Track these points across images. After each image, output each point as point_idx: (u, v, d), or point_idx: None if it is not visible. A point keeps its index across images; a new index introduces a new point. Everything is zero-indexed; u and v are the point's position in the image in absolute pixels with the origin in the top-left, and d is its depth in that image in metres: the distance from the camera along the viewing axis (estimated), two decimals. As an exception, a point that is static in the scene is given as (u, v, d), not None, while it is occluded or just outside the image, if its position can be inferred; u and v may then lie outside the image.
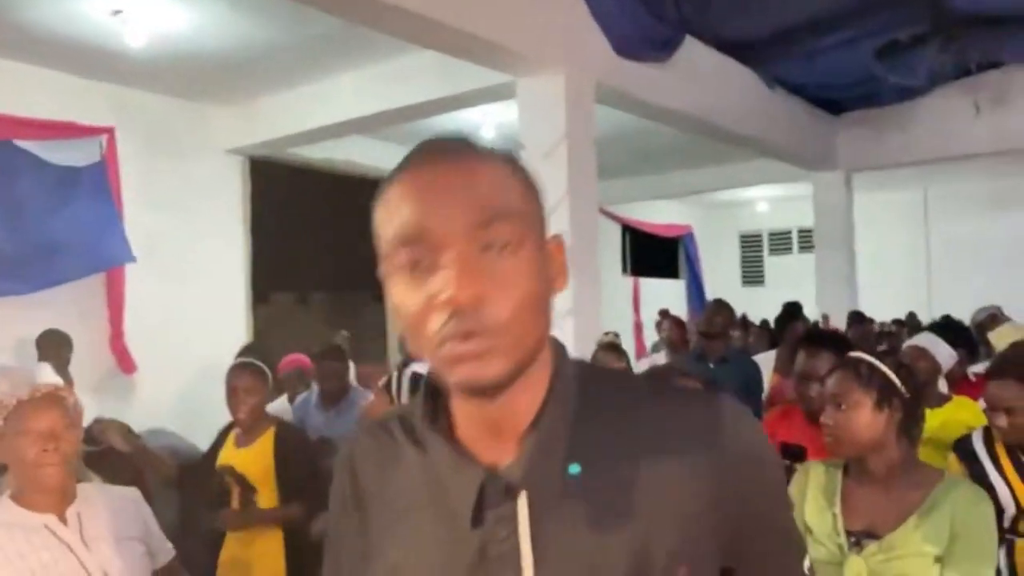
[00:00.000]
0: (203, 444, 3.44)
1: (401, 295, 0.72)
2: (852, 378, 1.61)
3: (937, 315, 9.22)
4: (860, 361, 1.64)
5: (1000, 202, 10.88)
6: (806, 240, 12.81)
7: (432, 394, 0.80)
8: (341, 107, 5.74)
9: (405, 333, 0.73)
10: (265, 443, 2.71)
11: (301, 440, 2.88)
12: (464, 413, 0.77)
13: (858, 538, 1.56)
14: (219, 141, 6.16)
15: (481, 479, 0.73)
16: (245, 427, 2.76)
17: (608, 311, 10.26)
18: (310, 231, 8.50)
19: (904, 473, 1.60)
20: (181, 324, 5.69)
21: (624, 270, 11.40)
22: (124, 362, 5.32)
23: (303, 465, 2.72)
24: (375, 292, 9.23)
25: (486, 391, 0.70)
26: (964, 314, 8.13)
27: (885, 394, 1.59)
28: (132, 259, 5.29)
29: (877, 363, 1.62)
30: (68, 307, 5.04)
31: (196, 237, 5.94)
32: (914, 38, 6.15)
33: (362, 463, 0.85)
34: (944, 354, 2.60)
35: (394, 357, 7.87)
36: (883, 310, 8.70)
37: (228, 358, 5.96)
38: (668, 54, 5.17)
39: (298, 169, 6.93)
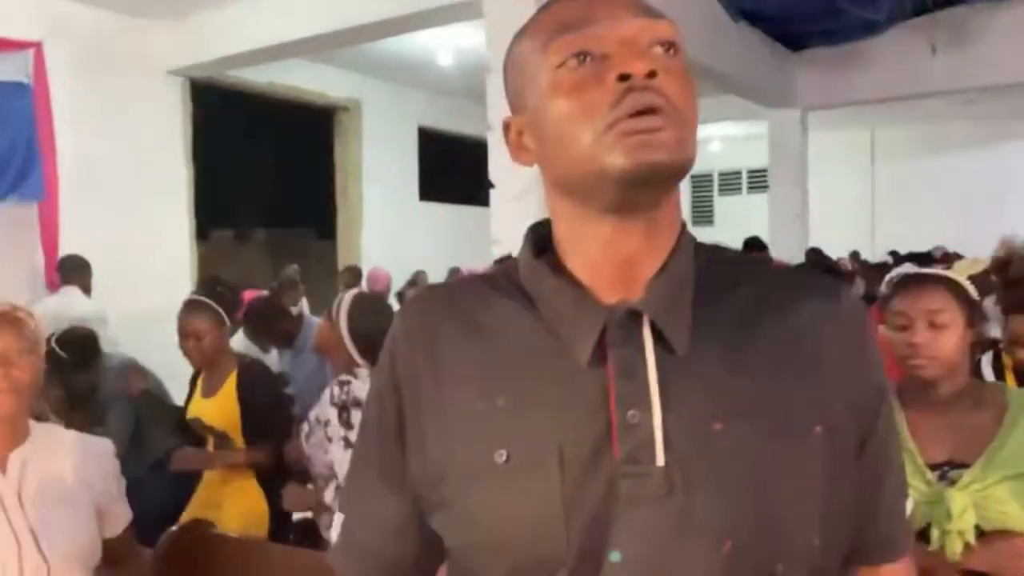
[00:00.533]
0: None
1: (563, 94, 0.67)
2: (950, 296, 1.53)
3: (880, 253, 9.45)
4: (951, 280, 1.57)
5: (942, 144, 11.09)
6: (755, 180, 12.92)
7: (538, 244, 0.76)
8: (288, 25, 5.36)
9: (561, 145, 0.68)
10: (230, 388, 2.52)
11: (264, 377, 2.69)
12: (589, 251, 0.71)
13: (943, 471, 1.49)
14: (158, 61, 5.73)
15: (604, 317, 0.68)
16: (206, 372, 2.57)
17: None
18: (253, 162, 8.12)
19: (968, 396, 1.54)
20: (121, 258, 5.34)
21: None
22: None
23: (266, 405, 2.56)
24: (321, 229, 8.94)
25: (659, 178, 0.65)
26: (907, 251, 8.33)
27: (973, 314, 1.54)
28: (40, 197, 4.90)
29: (965, 283, 1.56)
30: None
31: (135, 166, 5.55)
32: (880, -29, 6.08)
33: (415, 343, 0.76)
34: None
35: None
36: (829, 249, 8.83)
37: (172, 296, 5.68)
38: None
39: (241, 94, 6.53)
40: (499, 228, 4.20)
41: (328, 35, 5.32)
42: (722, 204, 13.28)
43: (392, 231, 7.96)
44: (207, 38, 5.70)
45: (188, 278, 5.92)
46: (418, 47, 6.51)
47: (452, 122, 8.88)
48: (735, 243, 9.07)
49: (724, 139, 12.29)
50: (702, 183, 13.42)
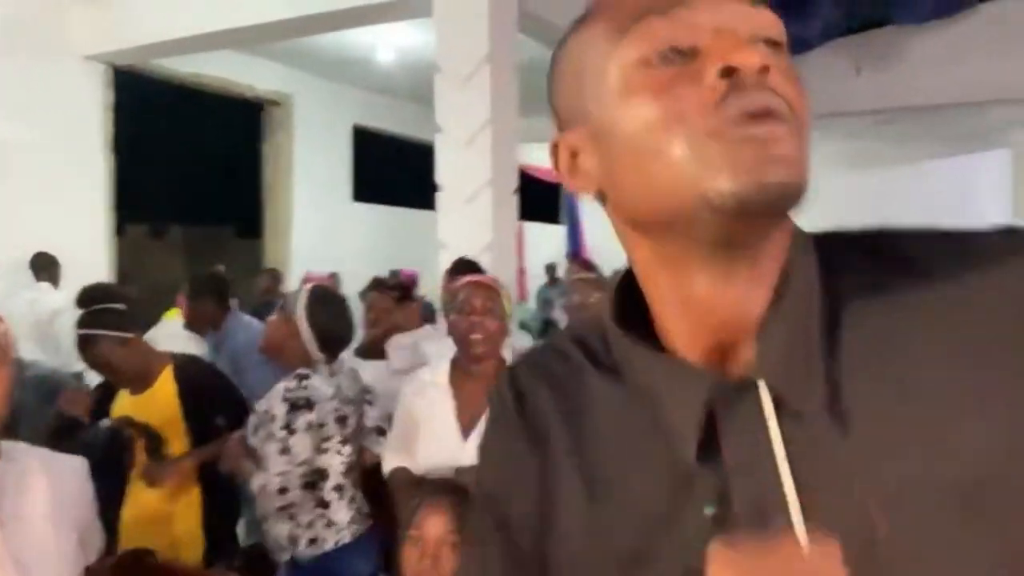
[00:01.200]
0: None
1: (644, 96, 0.51)
2: None
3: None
4: None
5: (861, 162, 11.56)
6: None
7: (623, 291, 0.59)
8: (218, 15, 5.10)
9: (639, 165, 0.51)
10: (165, 385, 2.31)
11: (207, 371, 2.49)
12: (680, 305, 0.55)
13: None
14: (77, 45, 5.35)
15: (708, 393, 0.53)
16: (129, 383, 2.34)
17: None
18: (175, 155, 7.72)
19: None
20: (36, 251, 4.97)
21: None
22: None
23: (217, 395, 2.37)
24: (245, 228, 8.59)
25: (779, 206, 0.49)
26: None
27: None
28: None
29: None
30: None
31: (50, 155, 5.16)
32: (813, -9, 6.26)
33: (534, 396, 0.62)
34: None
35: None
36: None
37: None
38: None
39: (165, 83, 6.19)
40: (446, 232, 4.07)
41: (264, 27, 5.08)
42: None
43: (323, 231, 7.70)
44: (130, 23, 5.36)
45: (105, 275, 5.54)
46: (356, 43, 6.31)
47: (389, 122, 8.68)
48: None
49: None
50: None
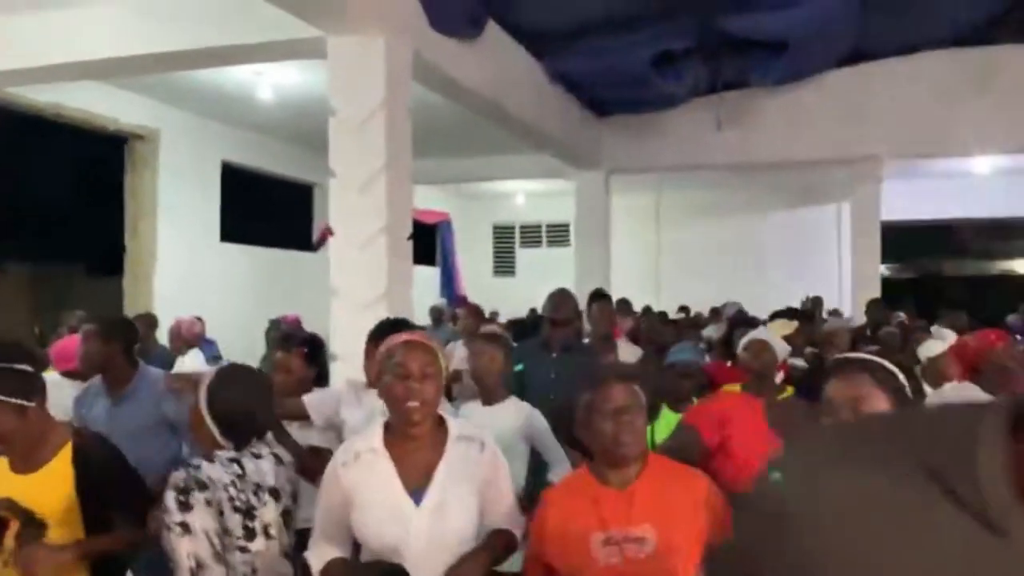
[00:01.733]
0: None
1: None
2: (872, 382, 1.53)
3: (666, 309, 10.19)
4: (875, 364, 1.57)
5: (720, 209, 12.33)
6: (555, 235, 13.52)
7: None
8: (82, 44, 4.77)
9: None
10: (60, 465, 2.02)
11: (112, 454, 2.15)
12: None
13: None
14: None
15: None
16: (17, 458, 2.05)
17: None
18: (24, 189, 7.08)
19: None
20: None
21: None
22: None
23: (122, 486, 2.10)
24: (100, 266, 7.96)
25: None
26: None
27: (899, 396, 1.53)
28: None
29: (891, 366, 1.56)
30: None
31: None
32: (685, 51, 6.67)
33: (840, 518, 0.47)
34: (780, 347, 2.75)
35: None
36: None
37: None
38: (478, 32, 5.03)
39: (19, 113, 5.69)
40: (340, 278, 3.96)
41: (129, 59, 4.79)
42: (523, 256, 13.71)
43: (188, 272, 7.26)
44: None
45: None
46: (233, 79, 6.08)
47: (260, 160, 8.38)
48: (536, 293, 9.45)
49: (527, 193, 12.73)
50: (504, 234, 13.78)
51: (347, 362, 3.58)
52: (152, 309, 6.84)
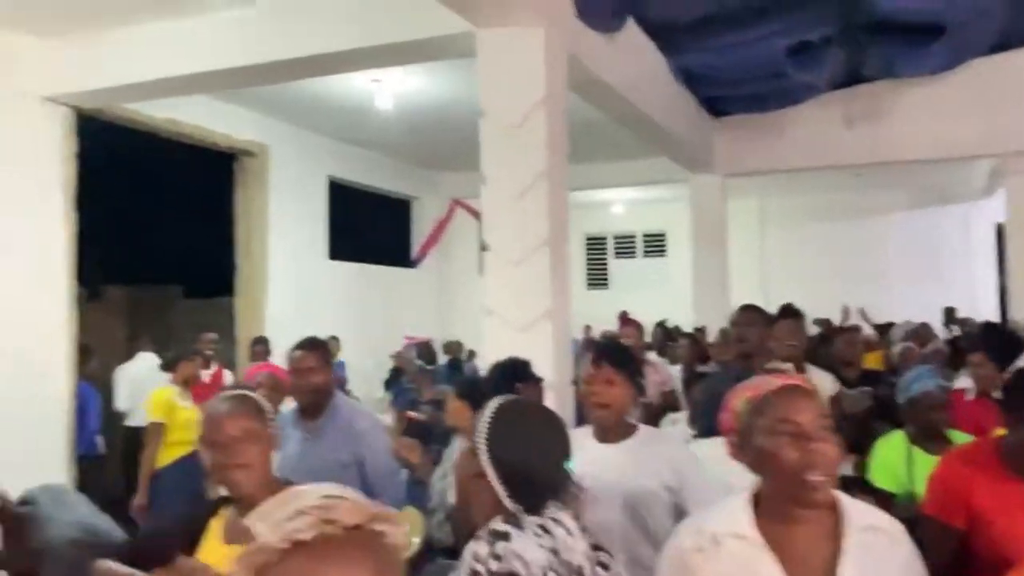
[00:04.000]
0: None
1: None
2: None
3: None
4: None
5: (832, 212, 11.62)
6: (651, 244, 12.98)
7: None
8: (204, 53, 4.54)
9: None
10: None
11: None
12: None
13: None
14: (34, 85, 4.67)
15: None
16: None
17: (464, 313, 9.63)
18: (148, 211, 6.99)
19: None
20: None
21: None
22: None
23: None
24: (225, 288, 7.84)
25: None
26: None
27: None
28: None
29: None
30: None
31: (2, 212, 4.44)
32: (824, 39, 6.11)
33: None
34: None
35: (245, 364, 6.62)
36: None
37: (46, 372, 4.55)
38: (620, 25, 4.61)
39: (136, 130, 5.53)
40: (495, 297, 3.56)
41: (254, 68, 4.54)
42: (617, 267, 13.22)
43: (298, 292, 7.04)
44: (97, 62, 4.73)
45: (65, 343, 4.78)
46: (346, 90, 5.81)
47: (363, 175, 8.15)
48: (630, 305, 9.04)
49: (624, 202, 12.23)
50: (597, 246, 13.30)
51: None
52: (264, 331, 6.64)
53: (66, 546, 1.77)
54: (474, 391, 3.04)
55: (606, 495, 1.96)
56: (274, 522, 0.68)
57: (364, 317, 7.75)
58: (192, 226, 8.02)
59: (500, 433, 1.43)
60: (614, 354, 2.17)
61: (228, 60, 4.53)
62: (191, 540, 1.67)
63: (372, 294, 8.11)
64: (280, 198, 6.91)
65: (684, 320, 9.26)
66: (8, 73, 4.54)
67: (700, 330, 7.18)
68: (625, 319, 6.75)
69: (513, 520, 1.36)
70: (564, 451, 1.47)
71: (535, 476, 1.41)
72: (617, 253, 13.24)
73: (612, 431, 2.11)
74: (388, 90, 5.65)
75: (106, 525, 2.19)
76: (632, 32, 5.08)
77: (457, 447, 2.85)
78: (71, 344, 4.82)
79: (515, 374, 2.82)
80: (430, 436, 4.20)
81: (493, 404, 1.48)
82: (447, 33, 3.80)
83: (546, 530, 1.35)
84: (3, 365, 4.35)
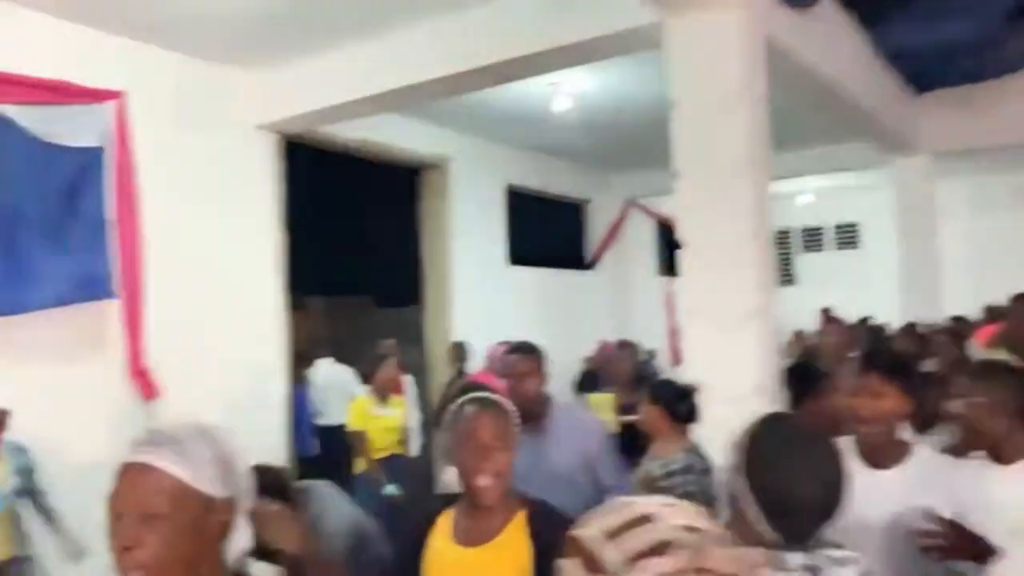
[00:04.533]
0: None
1: None
2: None
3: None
4: None
5: None
6: (842, 236, 12.11)
7: None
8: (389, 73, 4.74)
9: None
10: (515, 536, 1.62)
11: (563, 522, 1.72)
12: None
13: None
14: (247, 114, 5.08)
15: None
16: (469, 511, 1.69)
17: (640, 314, 9.41)
18: (343, 225, 7.43)
19: None
20: (209, 335, 4.61)
21: (659, 270, 10.53)
22: (145, 387, 4.21)
23: None
24: (411, 298, 8.19)
25: None
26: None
27: None
28: (110, 295, 4.11)
29: None
30: (71, 323, 3.95)
31: (223, 232, 4.87)
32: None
33: None
34: None
35: (438, 370, 6.85)
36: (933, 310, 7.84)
37: (264, 376, 4.90)
38: (813, 2, 4.27)
39: (333, 152, 5.87)
40: (696, 296, 3.39)
41: (442, 80, 4.66)
42: (804, 262, 12.44)
43: (481, 299, 7.18)
44: (298, 89, 5.07)
45: (280, 350, 5.15)
46: (524, 96, 5.85)
47: (539, 180, 8.20)
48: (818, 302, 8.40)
49: (813, 192, 11.42)
50: (781, 240, 12.57)
51: (715, 394, 3.01)
52: (451, 338, 6.82)
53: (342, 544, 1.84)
54: (668, 395, 2.90)
55: (864, 533, 1.66)
56: (630, 552, 0.60)
57: (544, 321, 7.78)
58: (381, 240, 8.41)
59: (763, 453, 1.29)
60: (884, 361, 1.88)
61: (413, 77, 4.70)
62: (419, 539, 1.68)
63: (551, 298, 8.13)
64: (462, 208, 7.09)
65: (884, 316, 8.54)
66: (226, 105, 4.96)
67: (959, 319, 6.46)
68: (828, 317, 6.29)
69: (773, 559, 1.21)
70: (837, 474, 1.30)
71: (802, 503, 1.25)
72: (804, 247, 12.46)
73: (881, 452, 1.83)
74: (565, 92, 5.62)
75: (372, 530, 2.28)
76: (829, 7, 4.71)
77: (652, 454, 2.72)
78: (286, 350, 5.18)
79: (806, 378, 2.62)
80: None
81: (756, 420, 1.35)
82: (631, 27, 3.71)
83: (812, 570, 1.19)
84: (229, 371, 4.74)
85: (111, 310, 4.19)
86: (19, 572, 3.35)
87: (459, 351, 6.20)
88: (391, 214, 7.63)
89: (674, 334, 10.60)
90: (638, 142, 7.52)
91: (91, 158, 4.18)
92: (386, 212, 7.72)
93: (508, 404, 1.68)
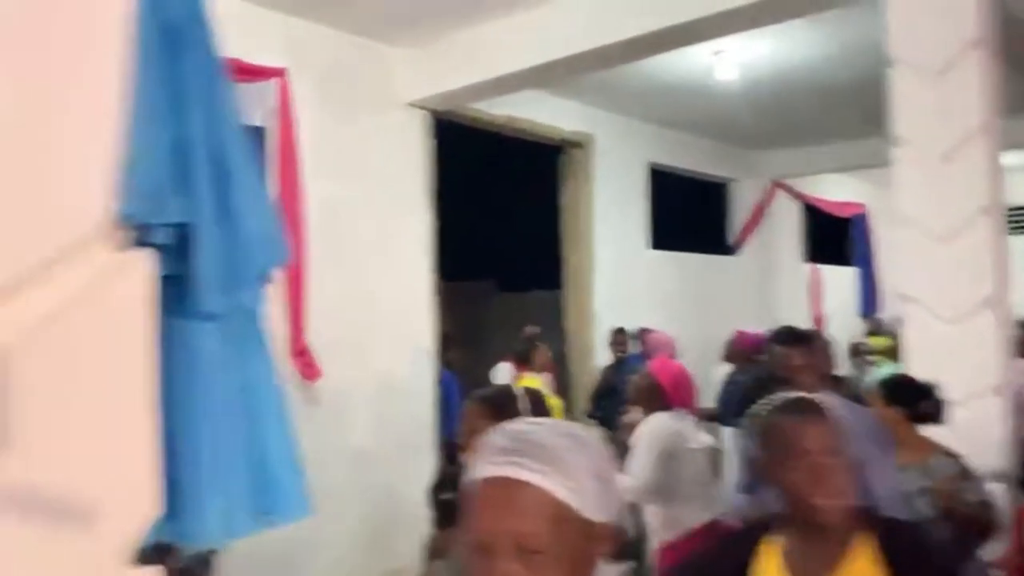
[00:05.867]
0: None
1: None
2: None
3: None
4: None
5: None
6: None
7: None
8: (539, 47, 4.51)
9: None
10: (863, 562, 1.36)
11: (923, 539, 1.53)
12: None
13: None
14: (400, 91, 4.99)
15: None
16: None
17: (785, 302, 8.87)
18: (479, 206, 7.33)
19: None
20: (363, 316, 4.56)
21: (805, 256, 9.94)
22: (306, 368, 4.18)
23: None
24: (537, 282, 8.00)
25: None
26: None
27: None
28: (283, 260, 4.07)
29: None
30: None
31: (378, 211, 4.80)
32: None
33: None
34: None
35: (581, 358, 6.63)
36: None
37: (415, 359, 4.81)
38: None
39: (482, 129, 5.73)
40: (916, 282, 3.00)
41: (594, 54, 4.40)
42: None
43: (620, 283, 6.90)
44: (449, 66, 4.93)
45: (430, 332, 5.06)
46: (683, 66, 5.50)
47: (681, 159, 7.81)
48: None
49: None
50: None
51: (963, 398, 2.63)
52: (591, 323, 6.58)
53: None
54: (907, 394, 2.54)
55: None
56: None
57: (684, 307, 7.42)
58: (512, 222, 8.24)
59: None
60: None
61: (565, 49, 4.46)
62: (740, 572, 1.41)
63: (691, 283, 7.74)
64: (603, 188, 6.82)
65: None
66: (383, 83, 4.88)
67: None
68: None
69: None
70: None
71: None
72: (1012, 228, 11.38)
73: None
74: (731, 60, 5.23)
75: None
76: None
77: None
78: (435, 333, 5.09)
79: None
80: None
81: None
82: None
83: None
84: (382, 354, 4.69)
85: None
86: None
87: (621, 337, 5.97)
88: (528, 195, 7.46)
89: (819, 322, 9.99)
90: (793, 117, 7.02)
91: (256, 137, 4.17)
92: (523, 193, 7.56)
93: (832, 406, 1.40)
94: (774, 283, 9.00)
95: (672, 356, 4.46)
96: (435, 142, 5.24)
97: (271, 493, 1.29)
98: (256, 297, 1.30)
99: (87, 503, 0.86)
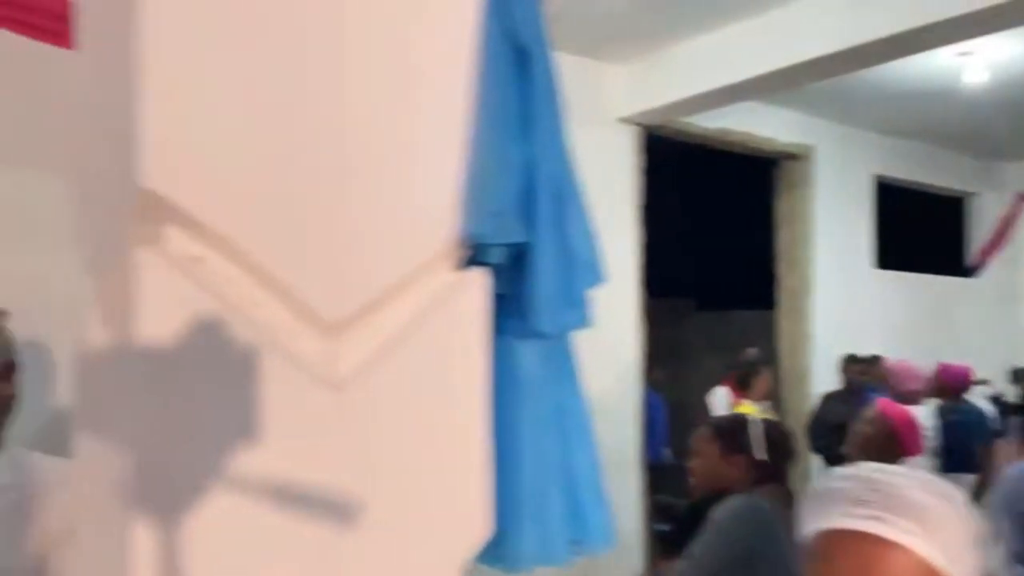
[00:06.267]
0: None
1: None
2: None
3: None
4: None
5: None
6: None
7: None
8: (757, 58, 4.34)
9: None
10: None
11: None
12: None
13: None
14: (611, 106, 4.98)
15: None
16: None
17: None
18: (687, 223, 7.18)
19: None
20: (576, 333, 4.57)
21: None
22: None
23: None
24: (737, 300, 7.67)
25: None
26: None
27: None
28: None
29: None
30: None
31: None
32: None
33: None
34: None
35: (795, 385, 6.24)
36: None
37: (622, 379, 4.75)
38: None
39: (693, 143, 5.58)
40: None
41: (822, 61, 4.14)
42: None
43: (842, 304, 6.41)
44: (662, 80, 4.87)
45: (635, 351, 4.99)
46: (927, 69, 5.02)
47: (914, 171, 7.15)
48: None
49: None
50: None
51: None
52: (807, 346, 6.18)
53: None
54: None
55: None
56: None
57: (914, 334, 6.76)
58: (717, 237, 7.96)
59: None
60: None
61: (788, 58, 4.24)
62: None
63: (921, 307, 7.04)
64: (823, 202, 6.39)
65: None
66: (593, 99, 4.90)
67: None
68: None
69: None
70: None
71: None
72: None
73: None
74: (981, 62, 4.69)
75: None
76: None
77: None
78: (641, 352, 5.00)
79: None
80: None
81: None
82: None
83: None
84: (593, 373, 4.65)
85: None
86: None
87: (857, 366, 5.48)
88: (738, 210, 7.16)
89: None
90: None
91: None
92: (734, 208, 7.26)
93: None
94: (1020, 310, 7.98)
95: (919, 392, 4.05)
96: (644, 157, 5.18)
97: (580, 520, 1.27)
98: (582, 318, 1.29)
99: (425, 518, 0.89)
